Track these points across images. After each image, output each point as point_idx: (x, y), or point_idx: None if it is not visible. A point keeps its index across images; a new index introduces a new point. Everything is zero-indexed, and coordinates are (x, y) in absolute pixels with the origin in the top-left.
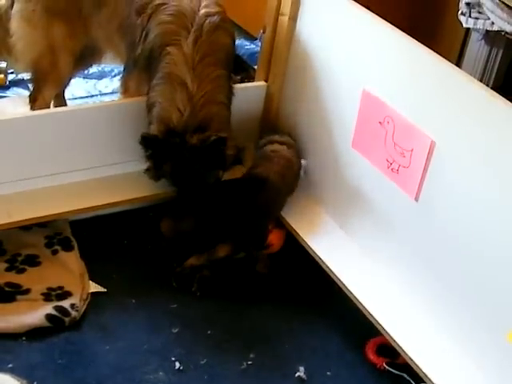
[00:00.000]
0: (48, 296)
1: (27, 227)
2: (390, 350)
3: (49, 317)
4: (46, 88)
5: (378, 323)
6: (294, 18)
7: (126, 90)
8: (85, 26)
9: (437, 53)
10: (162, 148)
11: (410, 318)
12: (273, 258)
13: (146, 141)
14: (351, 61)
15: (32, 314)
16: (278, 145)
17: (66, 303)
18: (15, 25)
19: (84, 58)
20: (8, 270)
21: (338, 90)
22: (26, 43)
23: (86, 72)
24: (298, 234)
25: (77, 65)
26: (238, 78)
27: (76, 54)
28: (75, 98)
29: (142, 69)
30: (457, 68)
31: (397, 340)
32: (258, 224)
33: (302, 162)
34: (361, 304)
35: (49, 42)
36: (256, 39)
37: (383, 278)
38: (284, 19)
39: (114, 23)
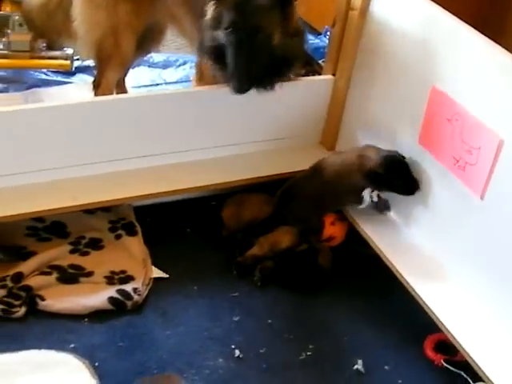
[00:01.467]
0: (111, 279)
1: (91, 211)
2: (448, 347)
3: (111, 300)
4: (109, 71)
5: (438, 319)
6: (363, 12)
7: (200, 77)
8: (150, 3)
9: (506, 49)
10: None
11: (470, 316)
12: (334, 250)
13: None
14: (421, 57)
15: (95, 297)
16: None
17: (128, 287)
18: (78, 7)
19: (146, 39)
20: (72, 252)
21: (406, 86)
22: (90, 25)
23: (151, 61)
24: (360, 227)
25: (138, 47)
26: (303, 71)
27: (139, 33)
28: (140, 87)
29: None
30: None
31: (456, 337)
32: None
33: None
34: (421, 299)
35: (112, 23)
36: (320, 34)
37: (445, 274)
38: (354, 14)
39: None
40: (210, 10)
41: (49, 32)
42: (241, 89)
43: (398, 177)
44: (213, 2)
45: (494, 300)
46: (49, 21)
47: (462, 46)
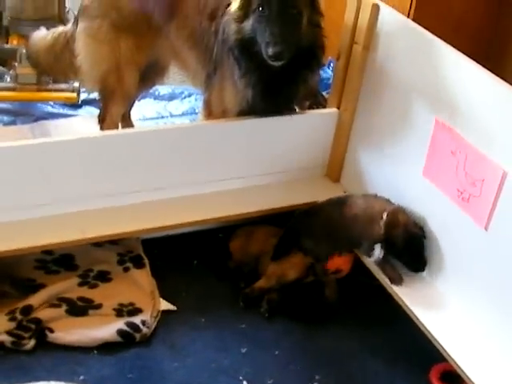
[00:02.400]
0: (119, 312)
1: (99, 244)
2: (454, 377)
3: (120, 332)
4: (114, 106)
5: (444, 349)
6: (367, 46)
7: (209, 113)
8: (152, 38)
9: (508, 78)
10: None
11: (476, 346)
12: (341, 281)
13: None
14: (424, 90)
15: (104, 329)
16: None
17: (137, 319)
18: (81, 43)
19: (149, 74)
20: (81, 284)
21: (410, 118)
22: (92, 61)
23: (156, 93)
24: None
25: (142, 82)
26: (307, 103)
27: (142, 68)
28: (145, 119)
29: (224, 77)
30: None
31: (462, 367)
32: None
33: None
34: (426, 329)
35: (115, 58)
36: (324, 66)
37: (450, 305)
38: (358, 48)
39: (183, 33)
40: (234, 2)
41: (56, 72)
42: (280, 54)
43: (411, 254)
44: None
45: (500, 330)
46: (56, 62)
47: (465, 79)
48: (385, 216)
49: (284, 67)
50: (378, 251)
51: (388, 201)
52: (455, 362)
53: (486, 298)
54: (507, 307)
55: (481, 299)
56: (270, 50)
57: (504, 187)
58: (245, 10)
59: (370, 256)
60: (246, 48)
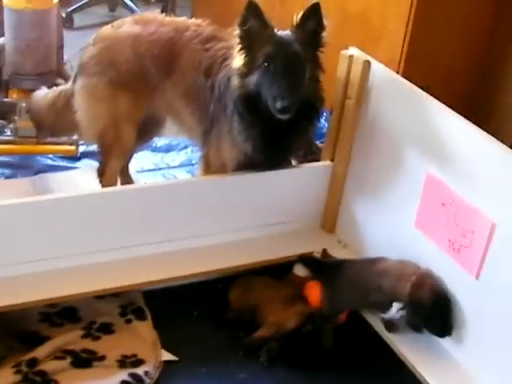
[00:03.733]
0: (123, 363)
1: (102, 296)
2: None
3: (124, 383)
4: (112, 160)
5: None
6: (359, 101)
7: (207, 168)
8: (149, 95)
9: (497, 129)
10: None
11: None
12: (336, 328)
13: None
14: (415, 143)
15: (108, 380)
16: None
17: (140, 370)
18: (79, 100)
19: (146, 129)
20: (84, 336)
21: (402, 170)
22: (91, 118)
23: (153, 145)
24: None
25: (139, 136)
26: (301, 153)
27: (139, 124)
28: (143, 171)
29: (221, 133)
30: None
31: None
32: None
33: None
34: (421, 375)
35: (112, 115)
36: None
37: (445, 353)
38: (350, 102)
39: (179, 90)
40: (237, 59)
41: (58, 129)
42: (288, 108)
43: (439, 318)
44: (241, 51)
45: (494, 378)
46: (58, 120)
47: (453, 132)
48: (413, 277)
49: (286, 120)
50: (394, 309)
51: (419, 267)
52: None
53: (479, 347)
54: (500, 350)
55: (474, 348)
56: (279, 104)
57: (493, 238)
58: (249, 66)
59: (384, 312)
60: (250, 102)
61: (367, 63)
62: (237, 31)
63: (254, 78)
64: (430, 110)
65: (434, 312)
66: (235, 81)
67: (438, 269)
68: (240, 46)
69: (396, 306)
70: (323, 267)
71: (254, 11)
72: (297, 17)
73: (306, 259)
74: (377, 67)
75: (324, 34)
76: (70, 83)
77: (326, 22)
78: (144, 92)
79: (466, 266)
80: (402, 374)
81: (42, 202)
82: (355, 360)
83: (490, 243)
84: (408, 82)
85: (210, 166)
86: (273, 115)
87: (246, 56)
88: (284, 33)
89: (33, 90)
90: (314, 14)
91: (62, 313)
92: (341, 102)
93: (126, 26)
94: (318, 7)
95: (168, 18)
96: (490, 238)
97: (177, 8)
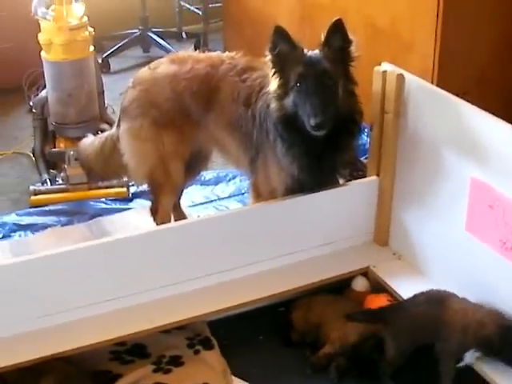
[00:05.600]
0: None
1: (168, 331)
2: None
3: None
4: (164, 198)
5: None
6: (398, 114)
7: (257, 195)
8: (193, 130)
9: None
10: None
11: None
12: None
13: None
14: (456, 150)
15: None
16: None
17: None
18: (125, 143)
19: (193, 164)
20: (155, 371)
21: (446, 177)
22: (138, 159)
23: (202, 179)
24: None
25: (187, 171)
26: (347, 171)
27: (186, 159)
28: (195, 205)
29: (267, 159)
30: None
31: None
32: None
33: None
34: None
35: (159, 153)
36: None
37: None
38: (389, 116)
39: (221, 122)
40: (272, 83)
41: (108, 174)
42: (322, 124)
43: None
44: (274, 75)
45: None
46: (106, 165)
47: (491, 135)
48: (474, 323)
49: (327, 137)
50: (468, 358)
51: (481, 306)
52: None
53: None
54: None
55: None
56: (312, 121)
57: None
58: (284, 88)
59: (458, 362)
60: (289, 123)
61: (401, 77)
62: (268, 56)
63: (289, 99)
64: (467, 115)
65: (506, 346)
66: (273, 104)
67: (492, 270)
68: (273, 70)
69: (469, 354)
70: (381, 314)
71: (281, 35)
72: (323, 35)
73: (361, 313)
74: (411, 79)
75: (352, 48)
76: (114, 128)
77: (352, 37)
78: (187, 128)
79: None
80: None
81: (102, 245)
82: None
83: None
84: (442, 91)
85: (261, 194)
86: (324, 142)
87: (279, 79)
88: (313, 52)
89: (79, 138)
90: (337, 31)
91: (131, 350)
92: (379, 117)
93: (163, 66)
94: (340, 23)
95: (202, 55)
96: None
97: (209, 42)
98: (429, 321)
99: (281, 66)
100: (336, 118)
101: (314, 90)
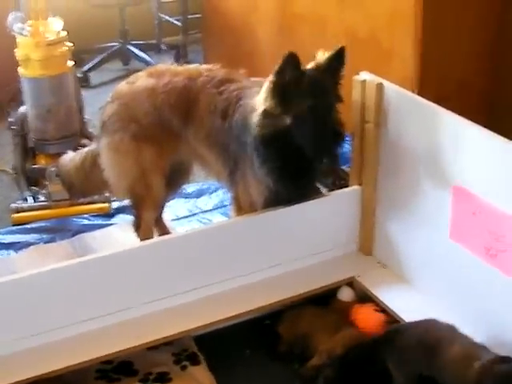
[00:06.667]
0: None
1: (155, 347)
2: None
3: None
4: (145, 212)
5: None
6: (378, 124)
7: (239, 208)
8: (173, 144)
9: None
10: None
11: None
12: None
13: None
14: (439, 158)
15: None
16: None
17: None
18: (105, 158)
19: (174, 177)
20: None
21: (430, 187)
22: (119, 173)
23: (185, 192)
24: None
25: (168, 185)
26: (330, 180)
27: (166, 173)
28: (178, 219)
29: (245, 172)
30: None
31: None
32: None
33: None
34: None
35: (140, 167)
36: None
37: None
38: (370, 126)
39: (200, 135)
40: (264, 100)
41: (90, 190)
42: (334, 165)
43: None
44: (271, 95)
45: None
46: (88, 181)
47: (471, 143)
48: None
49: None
50: None
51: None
52: None
53: None
54: None
55: None
56: (325, 160)
57: None
58: (281, 110)
59: None
60: (273, 141)
61: (380, 86)
62: (272, 78)
63: (286, 122)
64: (448, 122)
65: None
66: (259, 120)
67: (477, 277)
68: (272, 91)
69: None
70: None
71: (292, 63)
72: (322, 56)
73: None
74: (390, 88)
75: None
76: (94, 143)
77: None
78: (167, 141)
79: (505, 270)
80: None
81: (86, 262)
82: None
83: None
84: (422, 99)
85: (242, 206)
86: (302, 155)
87: (277, 99)
88: (317, 79)
89: (59, 154)
90: (339, 58)
91: (117, 368)
92: (360, 126)
93: (141, 80)
94: (344, 51)
95: (180, 67)
96: None
97: (189, 53)
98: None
99: (283, 89)
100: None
101: (324, 125)
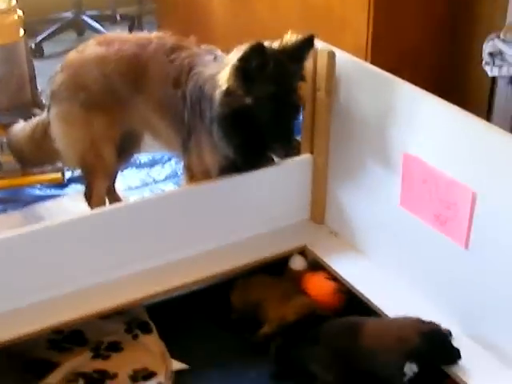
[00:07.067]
0: (135, 378)
1: (106, 316)
2: None
3: None
4: (97, 182)
5: None
6: (329, 92)
7: (191, 176)
8: (123, 112)
9: (468, 101)
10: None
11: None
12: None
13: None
14: (390, 126)
15: None
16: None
17: (152, 383)
18: (55, 128)
19: (125, 147)
20: (94, 357)
21: (380, 154)
22: (69, 143)
23: (137, 162)
24: (359, 291)
25: (120, 154)
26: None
27: (117, 142)
28: (131, 189)
29: (200, 140)
30: (488, 123)
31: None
32: None
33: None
34: None
35: (90, 136)
36: None
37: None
38: (321, 94)
39: (150, 103)
40: (227, 77)
41: (41, 160)
42: (290, 149)
43: (440, 352)
44: (234, 75)
45: (491, 345)
46: (39, 151)
47: (426, 112)
48: (394, 340)
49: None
50: (408, 370)
51: (395, 319)
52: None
53: (472, 315)
54: (494, 322)
55: (467, 316)
56: (281, 148)
57: (476, 207)
58: (242, 92)
59: (403, 379)
60: (235, 119)
61: (332, 54)
62: (236, 62)
63: (247, 103)
64: (400, 91)
65: (434, 350)
66: (219, 98)
67: (427, 244)
68: (235, 73)
69: (407, 367)
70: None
71: (257, 52)
72: (289, 40)
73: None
74: (343, 56)
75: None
76: (45, 113)
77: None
78: (117, 110)
79: (454, 237)
80: None
81: (34, 232)
82: None
83: (473, 212)
84: (374, 67)
85: (194, 175)
86: (260, 131)
87: (240, 83)
88: (281, 64)
89: (10, 124)
90: (308, 44)
91: (69, 337)
92: (311, 95)
93: (90, 48)
94: (313, 40)
95: (130, 35)
96: (472, 207)
97: (144, 24)
98: (350, 353)
99: (247, 73)
100: None
101: (285, 114)
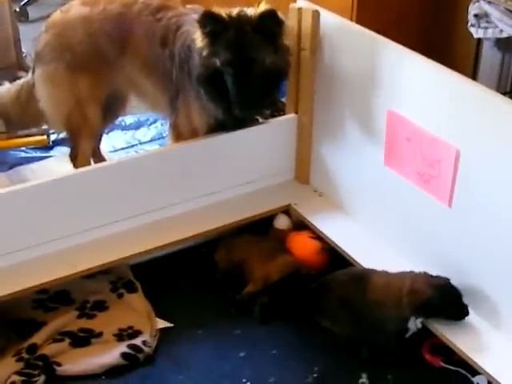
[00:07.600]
0: (120, 336)
1: (91, 275)
2: (444, 349)
3: (124, 355)
4: (82, 143)
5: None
6: (314, 51)
7: (177, 135)
8: (108, 73)
9: (454, 64)
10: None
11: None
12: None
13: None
14: (374, 85)
15: (108, 355)
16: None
17: (137, 341)
18: (40, 89)
19: (111, 107)
20: (79, 317)
21: (364, 113)
22: (54, 104)
23: (123, 124)
24: (343, 250)
25: (105, 115)
26: (268, 112)
27: (102, 103)
28: (116, 150)
29: (188, 99)
30: (472, 81)
31: (450, 339)
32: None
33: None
34: None
35: (75, 97)
36: None
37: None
38: (305, 53)
39: (137, 63)
40: (199, 39)
41: (27, 122)
42: (246, 113)
43: (452, 306)
44: (203, 37)
45: (471, 300)
46: (24, 112)
47: (408, 69)
48: (405, 291)
49: None
50: (412, 325)
51: (404, 272)
52: (444, 336)
53: (456, 272)
54: (477, 281)
55: (451, 274)
56: (236, 111)
57: (459, 164)
58: (211, 54)
59: (406, 333)
60: (213, 80)
61: (316, 13)
62: (199, 28)
63: (216, 64)
64: (385, 50)
65: (445, 304)
66: (197, 59)
67: (411, 202)
68: (202, 35)
69: (411, 322)
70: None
71: (210, 19)
72: (253, 13)
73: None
74: (327, 16)
75: (284, 25)
76: (30, 74)
77: (282, 18)
78: (103, 70)
79: (437, 196)
80: None
81: (18, 191)
82: None
83: (457, 170)
84: (359, 27)
85: (181, 133)
86: None
87: (207, 45)
88: (243, 32)
89: None
90: (271, 19)
91: (54, 297)
92: (296, 54)
93: (75, 8)
94: (273, 14)
95: None
96: (456, 165)
97: None
98: (357, 304)
99: (211, 37)
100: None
101: (240, 80)
